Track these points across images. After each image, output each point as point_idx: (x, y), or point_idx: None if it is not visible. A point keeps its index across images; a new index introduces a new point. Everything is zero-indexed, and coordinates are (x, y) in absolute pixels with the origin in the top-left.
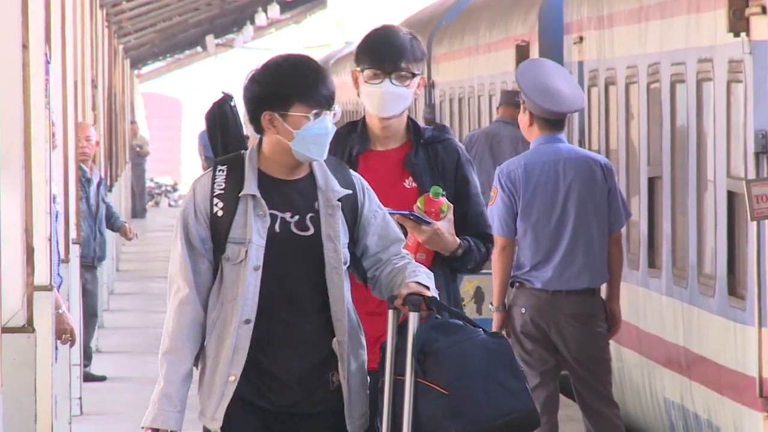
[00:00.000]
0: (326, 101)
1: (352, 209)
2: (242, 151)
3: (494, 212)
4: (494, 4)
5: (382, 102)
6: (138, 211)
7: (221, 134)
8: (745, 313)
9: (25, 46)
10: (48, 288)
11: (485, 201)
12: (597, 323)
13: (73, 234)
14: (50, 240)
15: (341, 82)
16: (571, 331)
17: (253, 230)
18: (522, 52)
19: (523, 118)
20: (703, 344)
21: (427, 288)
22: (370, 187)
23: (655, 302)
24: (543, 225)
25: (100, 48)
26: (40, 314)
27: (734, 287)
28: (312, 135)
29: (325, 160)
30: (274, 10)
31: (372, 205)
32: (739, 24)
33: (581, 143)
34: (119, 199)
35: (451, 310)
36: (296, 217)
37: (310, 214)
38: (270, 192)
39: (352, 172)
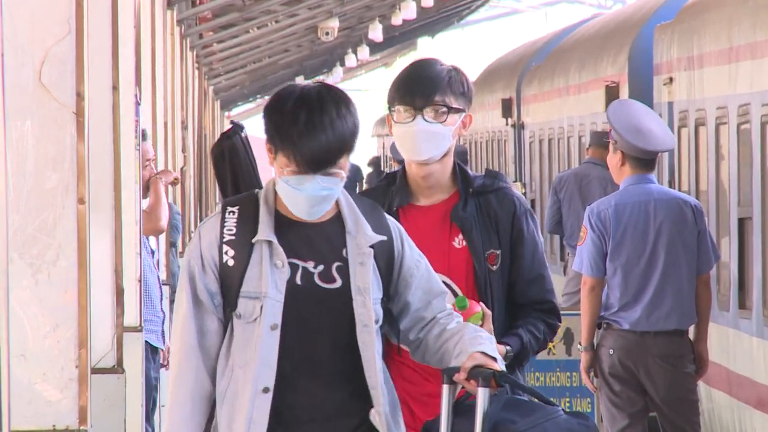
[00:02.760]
0: (308, 164)
1: (387, 259)
2: (256, 190)
3: (584, 252)
4: (584, 45)
5: (415, 142)
6: None
7: (231, 171)
8: None
9: (115, 88)
10: (138, 329)
11: (573, 243)
12: (685, 364)
13: (162, 275)
14: (140, 281)
15: None
16: (660, 373)
17: (269, 283)
18: (611, 93)
19: (613, 158)
20: None
21: (495, 360)
22: (407, 235)
23: (746, 343)
24: (632, 265)
25: (190, 89)
26: (130, 355)
27: None
28: (288, 189)
29: (356, 201)
30: (363, 51)
31: (413, 254)
32: None
33: (671, 184)
34: None
35: (526, 388)
36: (320, 267)
37: (336, 263)
38: (289, 237)
39: (387, 216)
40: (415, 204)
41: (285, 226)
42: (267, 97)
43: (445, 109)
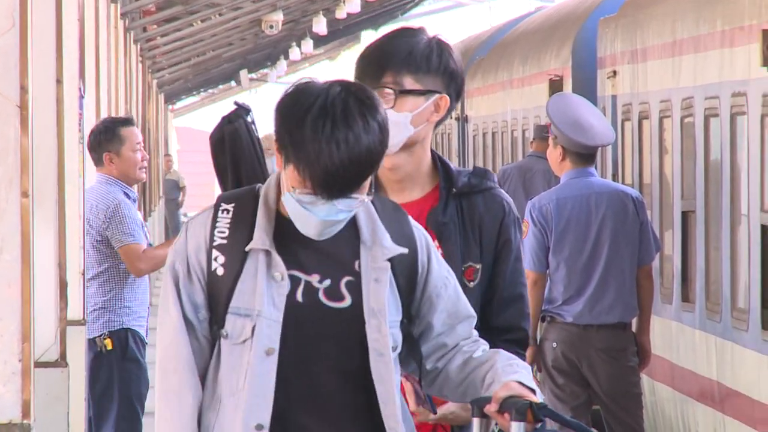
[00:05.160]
0: (326, 189)
1: (409, 274)
2: (258, 186)
3: (526, 246)
4: (528, 39)
5: None
6: None
7: (232, 161)
8: None
9: (59, 81)
10: (81, 323)
11: None
12: (628, 357)
13: None
14: (83, 274)
15: None
16: (603, 366)
17: (264, 298)
18: (555, 87)
19: (554, 153)
20: (736, 378)
21: (533, 391)
22: (434, 246)
23: (689, 336)
24: (575, 259)
25: (134, 83)
26: (73, 349)
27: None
28: (302, 211)
29: (377, 203)
30: (307, 45)
31: (441, 270)
32: None
33: (615, 177)
34: (153, 234)
35: (567, 421)
36: (327, 282)
37: (346, 278)
38: (291, 245)
39: (414, 223)
40: None
41: (287, 231)
42: (211, 91)
43: (393, 91)
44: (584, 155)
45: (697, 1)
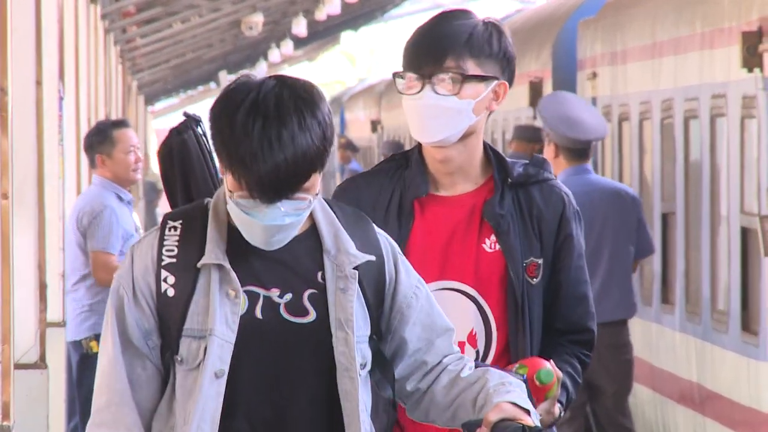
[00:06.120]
0: (263, 191)
1: (376, 285)
2: (206, 200)
3: None
4: None
5: (422, 120)
6: None
7: (182, 176)
8: (758, 349)
9: (38, 83)
10: (61, 324)
11: None
12: (629, 351)
13: None
14: (63, 276)
15: (354, 118)
16: (608, 362)
17: (216, 317)
18: (535, 89)
19: (548, 151)
20: (716, 380)
21: (528, 412)
22: (402, 254)
23: (669, 338)
24: None
25: (113, 84)
26: (53, 350)
27: (748, 323)
28: (244, 217)
29: (336, 210)
30: (287, 46)
31: (411, 279)
32: (752, 60)
33: None
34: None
35: None
36: (288, 296)
37: (309, 291)
38: (247, 259)
39: (378, 230)
40: (435, 194)
41: (241, 244)
42: (190, 93)
43: (459, 76)
44: (576, 150)
45: (676, 3)
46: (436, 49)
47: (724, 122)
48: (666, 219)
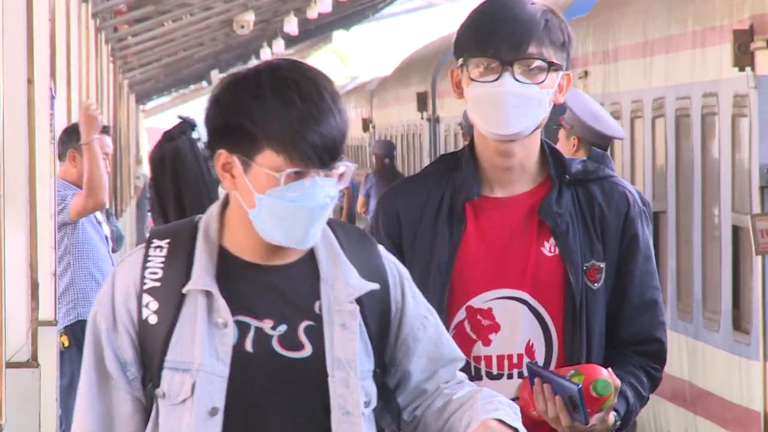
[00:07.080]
0: (318, 155)
1: (380, 316)
2: (197, 217)
3: None
4: None
5: (502, 109)
6: None
7: (174, 184)
8: (750, 348)
9: (30, 81)
10: (53, 323)
11: None
12: None
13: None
14: (55, 275)
15: None
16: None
17: (205, 350)
18: None
19: (567, 145)
20: (708, 379)
21: (516, 430)
22: (411, 279)
23: None
24: None
25: (105, 83)
26: (45, 349)
27: (739, 322)
28: (281, 207)
29: (338, 231)
30: (278, 45)
31: (419, 309)
32: (744, 58)
33: None
34: (126, 235)
35: None
36: (282, 328)
37: (305, 323)
38: (238, 285)
39: (385, 253)
40: (489, 196)
41: (232, 268)
42: (182, 91)
43: (543, 64)
44: (599, 146)
45: (668, 1)
46: (516, 34)
47: (716, 121)
48: (657, 218)
